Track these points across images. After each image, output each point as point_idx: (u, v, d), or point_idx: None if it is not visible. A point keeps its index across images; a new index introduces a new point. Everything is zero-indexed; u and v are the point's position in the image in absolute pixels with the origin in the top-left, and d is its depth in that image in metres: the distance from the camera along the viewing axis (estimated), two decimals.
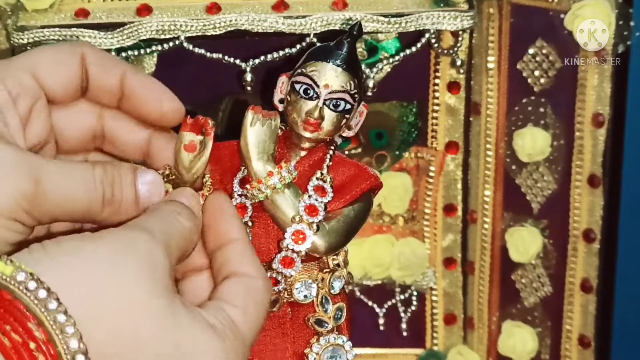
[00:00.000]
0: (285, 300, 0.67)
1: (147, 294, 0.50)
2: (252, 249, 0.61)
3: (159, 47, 0.86)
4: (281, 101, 0.68)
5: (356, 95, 0.66)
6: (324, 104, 0.65)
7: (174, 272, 0.55)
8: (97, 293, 0.49)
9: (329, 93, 0.65)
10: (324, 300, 0.67)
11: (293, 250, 0.64)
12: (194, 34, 0.85)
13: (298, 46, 0.86)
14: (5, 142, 0.53)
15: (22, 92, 0.58)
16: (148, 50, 0.86)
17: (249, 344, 0.56)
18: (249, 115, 0.64)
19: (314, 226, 0.64)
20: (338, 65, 0.65)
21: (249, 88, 0.88)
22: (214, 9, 0.85)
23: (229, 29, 0.85)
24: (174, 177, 0.64)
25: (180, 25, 0.85)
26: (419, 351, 1.02)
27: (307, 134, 0.66)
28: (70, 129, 0.63)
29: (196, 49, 0.86)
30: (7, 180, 0.51)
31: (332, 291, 0.67)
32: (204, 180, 0.64)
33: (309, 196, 0.64)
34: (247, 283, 0.58)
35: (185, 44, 0.86)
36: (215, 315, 0.55)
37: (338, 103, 0.65)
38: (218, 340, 0.53)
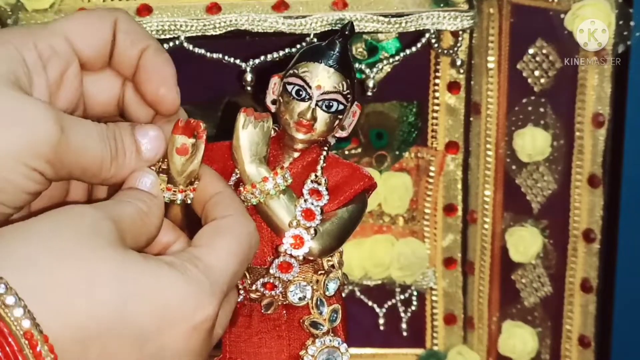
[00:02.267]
0: (280, 303, 0.66)
1: (92, 248, 0.50)
2: (232, 196, 0.61)
3: None
4: (273, 102, 0.67)
5: (349, 96, 0.65)
6: (316, 104, 0.64)
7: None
8: (43, 264, 0.49)
9: (322, 94, 0.64)
10: (319, 303, 0.66)
11: (291, 255, 0.64)
12: (194, 34, 0.86)
13: (298, 46, 0.86)
14: (30, 95, 0.54)
15: (54, 55, 0.58)
16: None
17: (222, 281, 0.54)
18: (241, 117, 0.63)
19: (312, 230, 0.64)
20: (330, 66, 0.64)
21: (249, 88, 0.88)
22: (214, 9, 0.85)
23: (229, 29, 0.85)
24: (168, 169, 0.64)
25: (180, 25, 0.85)
26: (419, 351, 1.02)
27: (300, 136, 0.65)
28: (98, 96, 0.63)
29: (196, 49, 0.86)
30: (35, 126, 0.52)
31: (327, 293, 0.67)
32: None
33: (305, 200, 0.64)
34: (215, 224, 0.58)
35: (185, 44, 0.86)
36: (175, 255, 0.54)
37: (331, 104, 0.65)
38: (176, 273, 0.52)
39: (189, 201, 0.62)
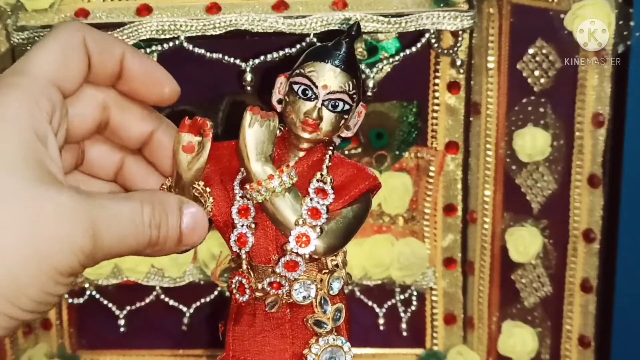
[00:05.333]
0: (284, 302, 0.66)
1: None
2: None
3: (159, 47, 0.86)
4: (279, 102, 0.67)
5: (355, 96, 0.66)
6: (322, 104, 0.64)
7: None
8: None
9: (328, 94, 0.64)
10: (322, 301, 0.66)
11: (297, 254, 0.64)
12: (194, 34, 0.86)
13: (298, 46, 0.86)
14: (58, 185, 0.53)
15: (54, 109, 0.57)
16: (148, 50, 0.86)
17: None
18: (247, 116, 0.64)
19: (318, 229, 0.64)
20: (336, 66, 0.64)
21: (249, 88, 0.88)
22: (214, 9, 0.85)
23: (229, 29, 0.85)
24: (174, 185, 0.65)
25: (180, 25, 0.85)
26: (419, 351, 1.03)
27: (305, 135, 0.65)
28: (77, 121, 0.62)
29: (196, 49, 0.87)
30: (68, 238, 0.52)
31: (330, 292, 0.66)
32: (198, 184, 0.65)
33: (311, 199, 0.64)
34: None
35: (185, 44, 0.86)
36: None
37: (336, 104, 0.65)
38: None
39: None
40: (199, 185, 0.65)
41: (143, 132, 0.65)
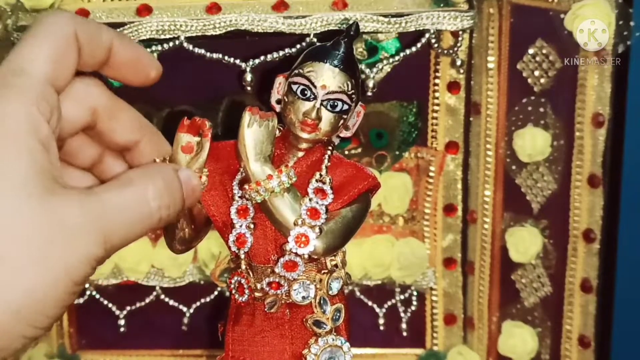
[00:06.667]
0: (283, 302, 0.66)
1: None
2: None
3: (159, 47, 0.86)
4: (278, 102, 0.67)
5: (353, 96, 0.66)
6: (321, 104, 0.65)
7: None
8: None
9: (326, 94, 0.64)
10: (322, 302, 0.66)
11: (296, 254, 0.64)
12: (194, 34, 0.85)
13: (298, 46, 0.86)
14: (63, 191, 0.52)
15: (52, 111, 0.56)
16: (148, 50, 0.86)
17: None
18: (246, 116, 0.64)
19: (317, 229, 0.64)
20: (335, 66, 0.65)
21: (249, 88, 0.88)
22: (214, 9, 0.85)
23: (229, 29, 0.85)
24: None
25: (180, 25, 0.85)
26: (419, 351, 1.02)
27: (304, 135, 0.65)
28: (66, 122, 0.61)
29: (196, 49, 0.86)
30: (79, 248, 0.51)
31: (330, 292, 0.66)
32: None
33: (310, 199, 0.64)
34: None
35: (185, 44, 0.86)
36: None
37: (335, 103, 0.65)
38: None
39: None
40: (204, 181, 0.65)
41: (130, 140, 0.65)
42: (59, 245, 0.50)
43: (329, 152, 0.67)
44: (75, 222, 0.51)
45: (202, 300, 1.01)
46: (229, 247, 0.66)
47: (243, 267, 0.66)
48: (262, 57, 0.87)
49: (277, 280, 0.65)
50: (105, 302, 1.02)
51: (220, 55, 0.87)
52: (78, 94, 0.62)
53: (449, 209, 0.97)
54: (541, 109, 0.91)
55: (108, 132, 0.64)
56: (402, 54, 0.89)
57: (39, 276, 0.50)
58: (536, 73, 0.90)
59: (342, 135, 0.68)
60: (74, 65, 0.59)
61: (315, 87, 0.64)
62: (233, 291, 0.67)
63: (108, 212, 0.53)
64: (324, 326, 0.66)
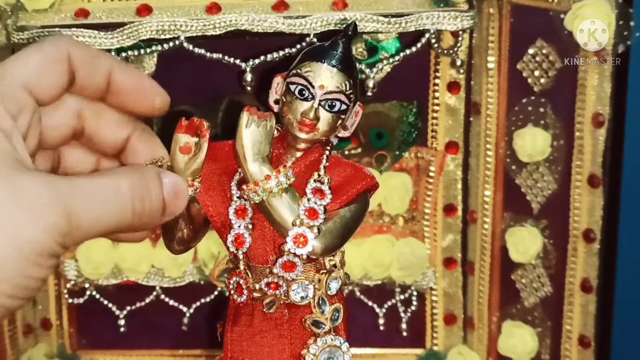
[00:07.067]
0: (282, 302, 0.66)
1: None
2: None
3: (159, 47, 0.86)
4: (276, 102, 0.67)
5: (352, 96, 0.65)
6: (319, 104, 0.64)
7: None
8: None
9: (325, 94, 0.64)
10: (320, 302, 0.66)
11: (295, 254, 0.64)
12: (194, 34, 0.86)
13: (298, 46, 0.86)
14: (29, 171, 0.53)
15: (21, 110, 0.58)
16: (148, 50, 0.86)
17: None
18: (244, 116, 0.64)
19: (315, 229, 0.64)
20: (333, 66, 0.64)
21: (249, 88, 0.88)
22: (214, 9, 0.85)
23: (229, 29, 0.85)
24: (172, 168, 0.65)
25: (180, 25, 0.85)
26: (419, 351, 1.02)
27: (302, 135, 0.65)
28: (53, 129, 0.63)
29: (196, 49, 0.87)
30: (41, 218, 0.52)
31: (328, 292, 0.66)
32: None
33: (308, 199, 0.64)
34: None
35: (185, 44, 0.86)
36: None
37: (333, 104, 0.65)
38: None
39: (192, 193, 0.64)
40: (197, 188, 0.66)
41: (118, 138, 0.66)
42: (19, 214, 0.51)
43: (327, 152, 0.67)
44: (38, 193, 0.52)
45: (202, 300, 1.01)
46: (228, 248, 0.66)
47: (242, 267, 0.66)
48: (262, 57, 0.87)
49: (275, 280, 0.65)
50: (105, 302, 1.02)
51: (220, 55, 0.87)
52: (63, 101, 0.63)
53: (449, 209, 0.97)
54: (541, 109, 0.91)
55: (97, 133, 0.65)
56: (402, 54, 0.89)
57: None
58: (536, 73, 0.90)
59: (340, 135, 0.68)
60: (59, 80, 0.60)
61: (313, 87, 0.64)
62: (232, 291, 0.67)
63: (75, 189, 0.54)
64: (323, 326, 0.66)
